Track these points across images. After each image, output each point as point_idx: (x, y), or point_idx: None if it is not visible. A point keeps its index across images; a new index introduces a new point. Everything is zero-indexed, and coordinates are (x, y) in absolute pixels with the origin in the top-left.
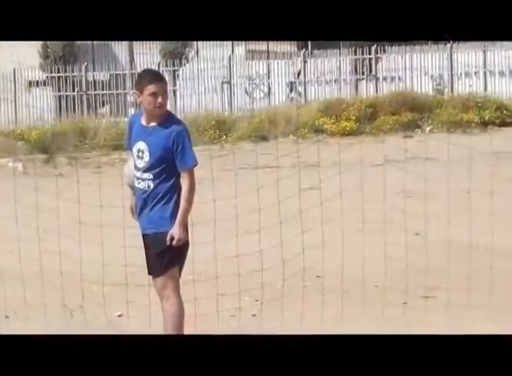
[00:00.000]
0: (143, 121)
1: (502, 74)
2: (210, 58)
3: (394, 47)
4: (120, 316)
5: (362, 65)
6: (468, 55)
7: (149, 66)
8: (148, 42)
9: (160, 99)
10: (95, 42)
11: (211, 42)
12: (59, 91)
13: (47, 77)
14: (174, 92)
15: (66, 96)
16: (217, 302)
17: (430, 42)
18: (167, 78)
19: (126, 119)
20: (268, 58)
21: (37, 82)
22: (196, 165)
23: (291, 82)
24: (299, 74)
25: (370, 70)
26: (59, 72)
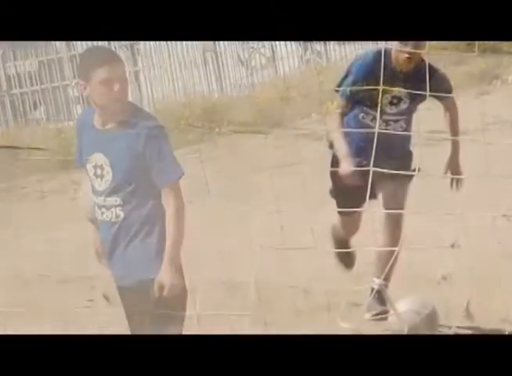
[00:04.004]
0: (97, 123)
1: None
2: None
3: None
4: None
5: None
6: None
7: (95, 44)
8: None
9: (116, 88)
10: None
11: None
12: None
13: None
14: (137, 74)
15: None
16: None
17: None
18: (123, 57)
19: (72, 123)
20: None
21: None
22: (181, 176)
23: None
24: None
25: None
26: None
